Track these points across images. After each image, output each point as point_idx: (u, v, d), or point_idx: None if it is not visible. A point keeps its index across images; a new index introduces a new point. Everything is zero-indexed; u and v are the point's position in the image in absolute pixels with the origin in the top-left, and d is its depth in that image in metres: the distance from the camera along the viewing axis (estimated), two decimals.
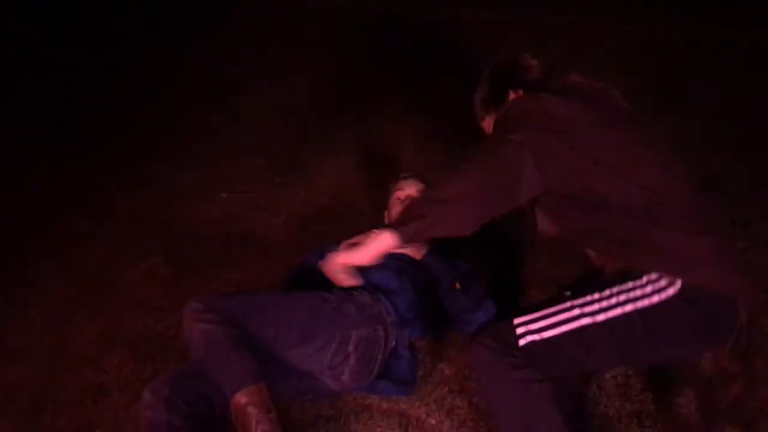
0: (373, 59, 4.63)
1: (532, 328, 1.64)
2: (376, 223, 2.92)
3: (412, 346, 2.21)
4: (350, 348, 2.04)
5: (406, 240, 1.71)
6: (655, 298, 1.56)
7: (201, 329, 1.87)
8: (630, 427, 1.93)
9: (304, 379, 2.04)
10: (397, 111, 3.86)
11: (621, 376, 2.07)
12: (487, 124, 2.04)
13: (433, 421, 2.00)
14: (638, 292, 1.58)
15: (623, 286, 1.60)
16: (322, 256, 2.31)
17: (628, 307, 1.58)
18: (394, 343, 2.14)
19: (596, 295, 1.62)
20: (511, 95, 1.96)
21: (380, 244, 1.73)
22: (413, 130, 3.73)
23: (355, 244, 1.81)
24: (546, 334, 1.63)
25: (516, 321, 1.66)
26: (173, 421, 1.81)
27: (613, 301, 1.59)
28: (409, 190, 2.50)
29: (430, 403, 2.06)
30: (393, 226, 1.73)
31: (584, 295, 1.64)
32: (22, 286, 2.77)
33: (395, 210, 2.48)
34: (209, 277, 2.72)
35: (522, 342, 1.63)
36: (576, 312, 1.62)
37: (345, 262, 1.84)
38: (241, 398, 1.79)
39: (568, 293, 1.68)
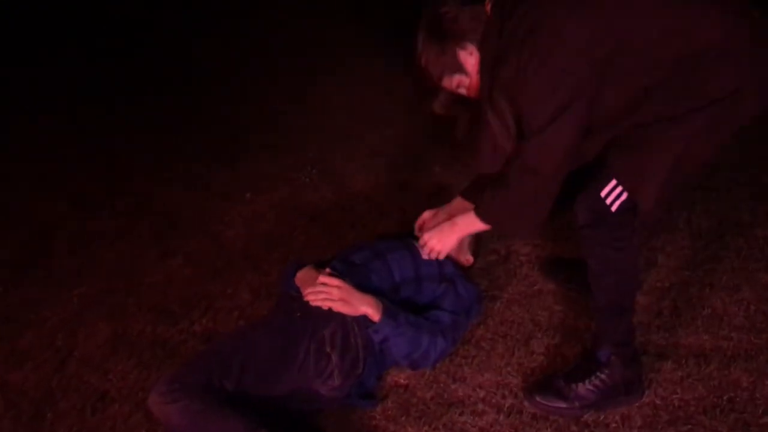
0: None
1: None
2: (402, 225, 2.83)
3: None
4: (327, 348, 1.93)
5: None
6: None
7: (175, 409, 1.79)
8: None
9: (305, 393, 1.95)
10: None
11: None
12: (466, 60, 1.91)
13: None
14: None
15: None
16: (296, 270, 2.25)
17: None
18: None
19: None
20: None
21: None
22: (447, 131, 3.57)
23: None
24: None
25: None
26: None
27: None
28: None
29: (439, 428, 1.91)
30: None
31: None
32: (40, 285, 2.73)
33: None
34: (227, 280, 2.64)
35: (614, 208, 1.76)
36: None
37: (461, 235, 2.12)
38: None
39: None
